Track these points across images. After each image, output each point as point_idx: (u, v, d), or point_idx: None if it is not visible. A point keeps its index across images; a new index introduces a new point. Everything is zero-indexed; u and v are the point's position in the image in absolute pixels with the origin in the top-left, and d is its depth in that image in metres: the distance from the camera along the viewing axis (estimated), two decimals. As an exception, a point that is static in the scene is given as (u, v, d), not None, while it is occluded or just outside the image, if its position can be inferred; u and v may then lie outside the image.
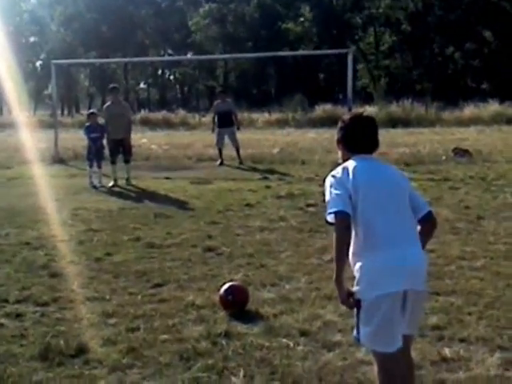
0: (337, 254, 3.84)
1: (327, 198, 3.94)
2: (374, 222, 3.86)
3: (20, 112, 47.56)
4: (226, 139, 20.44)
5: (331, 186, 3.94)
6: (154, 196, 14.28)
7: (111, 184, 15.82)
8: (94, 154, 16.11)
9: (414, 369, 4.29)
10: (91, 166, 16.13)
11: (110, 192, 15.09)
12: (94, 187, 15.63)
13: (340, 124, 4.22)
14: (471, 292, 6.87)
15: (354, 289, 3.89)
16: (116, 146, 16.22)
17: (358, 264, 3.89)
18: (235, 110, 21.48)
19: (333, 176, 4.00)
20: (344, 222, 3.81)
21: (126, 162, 16.42)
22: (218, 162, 20.16)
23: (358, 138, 4.14)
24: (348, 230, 3.83)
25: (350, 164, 4.02)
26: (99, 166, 16.09)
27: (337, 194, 3.88)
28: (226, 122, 20.36)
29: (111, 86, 18.15)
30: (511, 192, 13.32)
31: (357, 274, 3.90)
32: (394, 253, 3.82)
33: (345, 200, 3.85)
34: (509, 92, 45.43)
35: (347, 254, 3.87)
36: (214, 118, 20.99)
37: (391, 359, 3.90)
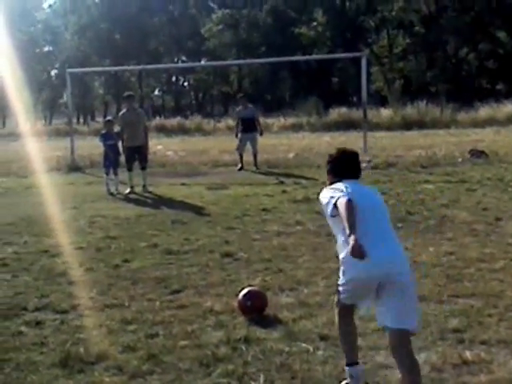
0: (348, 217, 4.36)
1: (327, 200, 4.64)
2: (358, 228, 4.34)
3: (35, 121, 47.80)
4: (248, 145, 20.46)
5: (333, 192, 4.65)
6: (170, 202, 14.31)
7: (128, 191, 15.85)
8: (111, 162, 16.16)
9: (418, 367, 4.55)
10: (108, 174, 16.19)
11: (127, 199, 15.13)
12: (111, 194, 15.68)
13: (328, 158, 5.09)
14: (491, 294, 6.83)
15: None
16: (132, 154, 16.24)
17: (342, 254, 4.65)
18: (258, 116, 21.51)
19: (331, 188, 4.75)
20: (351, 203, 4.41)
21: (143, 168, 16.43)
22: (238, 167, 20.15)
23: (344, 169, 4.96)
24: (354, 208, 4.43)
25: (341, 183, 4.78)
26: (116, 173, 16.15)
27: (342, 191, 4.60)
28: (249, 127, 20.41)
29: (126, 93, 18.20)
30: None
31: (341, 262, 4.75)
32: (370, 254, 4.32)
33: (349, 194, 4.52)
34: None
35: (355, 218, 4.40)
36: (237, 124, 21.05)
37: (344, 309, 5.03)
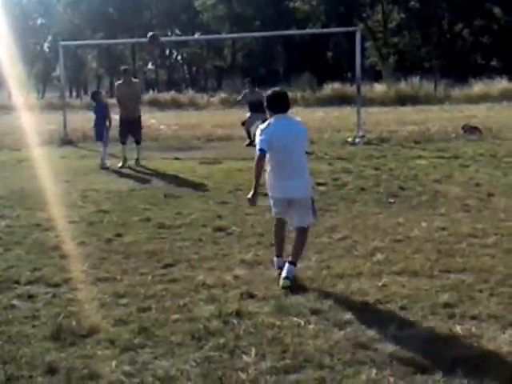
0: (255, 173, 6.69)
1: (257, 141, 6.69)
2: (277, 159, 6.70)
3: (28, 94, 47.57)
4: (256, 123, 20.39)
5: (260, 134, 6.67)
6: (163, 176, 14.29)
7: (120, 164, 15.81)
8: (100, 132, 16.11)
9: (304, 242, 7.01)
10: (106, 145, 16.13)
11: (120, 173, 15.08)
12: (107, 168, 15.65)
13: (265, 97, 6.88)
14: (482, 269, 6.85)
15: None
16: (127, 126, 16.19)
17: (268, 178, 6.91)
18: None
19: (261, 128, 6.72)
20: (261, 157, 6.58)
21: (137, 142, 16.41)
22: (247, 143, 20.02)
23: (275, 106, 6.79)
24: (262, 161, 6.59)
25: (271, 120, 6.72)
26: (105, 145, 16.08)
27: (261, 139, 6.63)
28: (258, 109, 20.35)
29: (123, 68, 18.04)
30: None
31: (267, 184, 6.94)
32: (281, 180, 6.79)
33: (265, 142, 6.58)
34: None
35: (261, 174, 6.69)
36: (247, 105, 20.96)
37: (277, 221, 7.14)
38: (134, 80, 17.60)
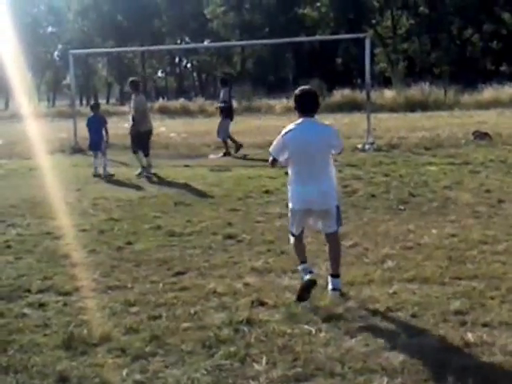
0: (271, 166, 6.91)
1: (273, 144, 6.64)
2: (296, 166, 6.53)
3: (38, 103, 47.74)
4: None
5: (279, 138, 6.56)
6: (173, 184, 14.31)
7: (139, 172, 15.79)
8: (97, 144, 16.16)
9: (339, 249, 6.79)
10: (96, 156, 16.15)
11: (130, 181, 15.08)
12: (96, 176, 15.70)
13: (294, 96, 6.61)
14: (493, 276, 6.83)
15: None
16: (139, 138, 16.06)
17: (289, 188, 6.66)
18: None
19: (284, 131, 6.55)
20: (273, 163, 6.71)
21: (147, 155, 16.14)
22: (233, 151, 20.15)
23: (304, 105, 6.57)
24: (274, 165, 6.77)
25: (296, 123, 6.52)
26: (104, 154, 16.12)
27: (274, 146, 6.61)
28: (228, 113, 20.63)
29: (131, 79, 17.95)
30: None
31: (289, 194, 6.67)
32: (301, 187, 6.53)
33: (278, 150, 6.57)
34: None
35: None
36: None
37: (296, 238, 6.81)
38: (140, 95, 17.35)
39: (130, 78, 18.24)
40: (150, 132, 16.36)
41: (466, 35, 68.65)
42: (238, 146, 20.10)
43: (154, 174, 15.72)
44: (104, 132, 16.28)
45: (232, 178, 14.56)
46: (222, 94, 21.06)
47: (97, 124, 16.32)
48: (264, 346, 5.24)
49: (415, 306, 6.03)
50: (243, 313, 5.93)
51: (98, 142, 16.18)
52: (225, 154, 19.71)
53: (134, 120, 16.01)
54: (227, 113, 20.52)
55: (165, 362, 5.04)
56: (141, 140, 16.13)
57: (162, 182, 14.90)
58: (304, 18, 71.09)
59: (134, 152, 16.12)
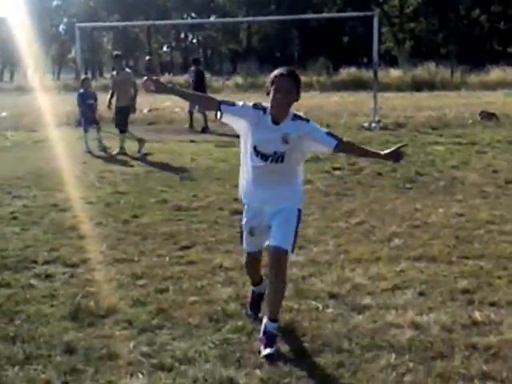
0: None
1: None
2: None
3: (44, 75, 47.61)
4: None
5: (246, 105, 4.93)
6: (179, 159, 14.26)
7: (117, 151, 15.41)
8: (90, 120, 16.04)
9: (283, 288, 5.03)
10: (86, 131, 16.02)
11: (135, 155, 15.03)
12: (89, 152, 15.48)
13: (270, 77, 4.92)
14: (501, 256, 6.82)
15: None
16: (122, 114, 15.76)
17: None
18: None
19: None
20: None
21: (123, 132, 15.76)
22: (201, 128, 20.23)
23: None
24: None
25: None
26: (98, 130, 16.03)
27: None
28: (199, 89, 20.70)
29: (114, 53, 17.79)
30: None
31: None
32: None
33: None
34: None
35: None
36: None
37: (248, 257, 5.33)
38: (127, 69, 16.83)
39: (114, 52, 18.01)
40: (127, 108, 15.78)
41: (473, 15, 68.27)
42: (192, 125, 20.32)
43: (125, 154, 15.31)
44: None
45: (238, 154, 14.44)
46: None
47: (89, 99, 16.19)
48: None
49: (422, 284, 6.02)
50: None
51: (92, 118, 16.09)
52: (203, 129, 19.86)
53: (120, 96, 15.69)
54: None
55: (172, 335, 5.04)
56: (117, 115, 15.87)
57: (167, 156, 14.82)
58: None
59: (123, 131, 15.76)
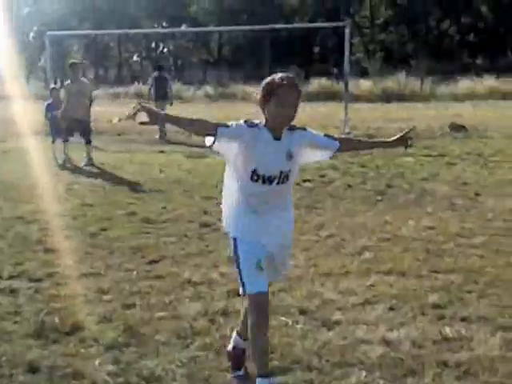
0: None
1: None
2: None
3: (13, 84, 47.13)
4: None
5: (239, 124, 4.24)
6: (148, 170, 14.14)
7: (62, 161, 15.25)
8: (59, 131, 15.67)
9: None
10: (54, 142, 15.84)
11: (103, 167, 14.87)
12: (60, 163, 15.24)
13: (262, 86, 4.29)
14: (471, 270, 6.79)
15: None
16: (73, 125, 15.34)
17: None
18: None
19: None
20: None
21: (88, 142, 15.46)
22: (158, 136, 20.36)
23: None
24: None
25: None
26: (65, 140, 15.54)
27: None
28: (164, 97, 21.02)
29: (71, 61, 17.36)
30: (508, 168, 13.25)
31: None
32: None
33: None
34: (504, 67, 45.26)
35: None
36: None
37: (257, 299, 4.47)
38: (84, 79, 16.62)
39: (71, 61, 17.67)
40: (80, 121, 15.39)
41: (443, 27, 68.76)
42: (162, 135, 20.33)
43: (93, 165, 15.02)
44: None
45: (208, 165, 14.41)
46: None
47: (55, 110, 15.85)
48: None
49: (393, 298, 5.97)
50: (219, 303, 5.85)
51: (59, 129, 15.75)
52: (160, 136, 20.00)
53: (75, 107, 15.16)
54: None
55: (138, 353, 4.94)
56: (88, 125, 15.60)
57: (137, 167, 14.69)
58: (282, 5, 70.86)
59: (66, 140, 15.47)
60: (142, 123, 4.04)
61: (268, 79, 4.22)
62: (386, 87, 39.80)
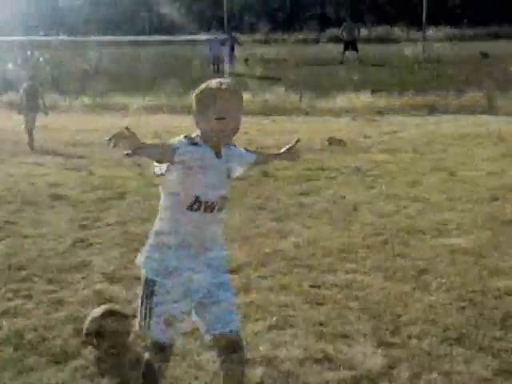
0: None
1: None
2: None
3: None
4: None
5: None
6: (18, 184, 13.57)
7: None
8: None
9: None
10: None
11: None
12: None
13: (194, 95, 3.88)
14: (349, 286, 6.75)
15: None
16: None
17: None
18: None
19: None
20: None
21: None
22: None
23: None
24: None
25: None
26: None
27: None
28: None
29: None
30: (386, 182, 13.44)
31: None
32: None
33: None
34: (379, 83, 46.50)
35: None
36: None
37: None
38: None
39: None
40: None
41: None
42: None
43: None
44: None
45: (81, 177, 13.97)
46: None
47: None
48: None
49: (274, 316, 5.84)
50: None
51: None
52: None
53: None
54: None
55: (3, 380, 4.61)
56: None
57: None
58: (163, 17, 70.68)
59: None
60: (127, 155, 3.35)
61: (202, 86, 3.70)
62: (265, 101, 40.09)
